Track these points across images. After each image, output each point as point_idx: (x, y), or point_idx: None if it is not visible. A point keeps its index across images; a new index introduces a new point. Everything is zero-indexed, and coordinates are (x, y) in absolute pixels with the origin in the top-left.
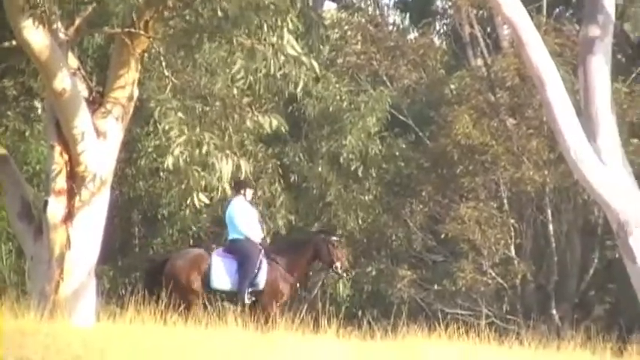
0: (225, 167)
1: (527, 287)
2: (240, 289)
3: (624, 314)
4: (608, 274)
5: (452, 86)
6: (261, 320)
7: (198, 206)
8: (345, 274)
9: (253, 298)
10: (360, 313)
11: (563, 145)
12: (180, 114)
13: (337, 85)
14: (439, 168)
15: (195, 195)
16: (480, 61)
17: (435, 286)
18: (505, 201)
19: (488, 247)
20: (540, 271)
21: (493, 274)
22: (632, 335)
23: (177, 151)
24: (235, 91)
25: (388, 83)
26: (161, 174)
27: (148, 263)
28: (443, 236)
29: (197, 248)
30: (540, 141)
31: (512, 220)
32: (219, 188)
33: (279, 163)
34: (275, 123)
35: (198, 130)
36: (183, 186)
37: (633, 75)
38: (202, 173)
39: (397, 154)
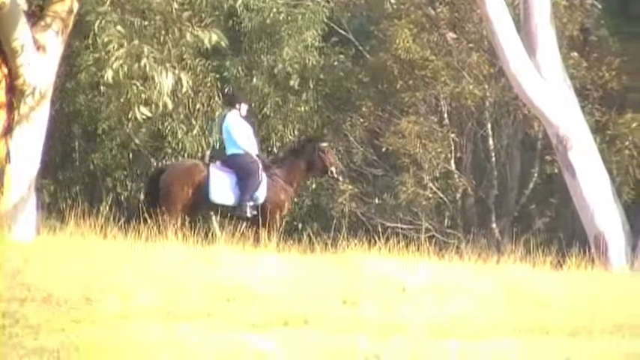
0: (164, 81)
1: (468, 201)
2: (241, 203)
3: (563, 228)
4: (547, 188)
5: (392, 0)
6: (264, 233)
7: (139, 119)
8: (340, 177)
9: (255, 212)
10: (300, 226)
11: (503, 60)
12: (119, 27)
13: None
14: (379, 82)
15: (135, 109)
16: None
17: (376, 200)
18: (445, 115)
19: (429, 161)
20: (480, 185)
21: (434, 188)
22: (572, 249)
23: (116, 65)
24: (175, 5)
25: None
26: (101, 88)
27: (147, 179)
28: (383, 150)
29: (192, 160)
30: (480, 55)
31: (452, 135)
32: (160, 102)
33: (218, 76)
34: (215, 37)
35: (137, 43)
36: (122, 100)
37: None
38: (142, 87)
39: (335, 64)
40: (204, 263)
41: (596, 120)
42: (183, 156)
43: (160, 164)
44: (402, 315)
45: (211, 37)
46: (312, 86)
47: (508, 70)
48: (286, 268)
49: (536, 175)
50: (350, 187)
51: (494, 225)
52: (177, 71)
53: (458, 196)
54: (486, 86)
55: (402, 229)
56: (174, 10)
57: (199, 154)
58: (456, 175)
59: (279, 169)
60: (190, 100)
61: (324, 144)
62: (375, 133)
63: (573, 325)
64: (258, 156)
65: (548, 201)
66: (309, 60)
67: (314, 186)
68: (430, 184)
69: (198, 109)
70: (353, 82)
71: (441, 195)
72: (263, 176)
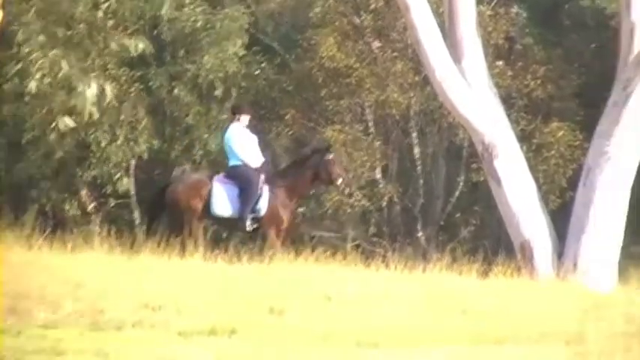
0: (88, 90)
1: (394, 209)
2: (241, 215)
3: (489, 236)
4: (473, 197)
5: (316, 9)
6: (264, 247)
7: (62, 130)
8: (348, 189)
9: (255, 225)
10: (225, 236)
11: (429, 68)
12: (42, 37)
13: (192, 7)
14: (304, 91)
15: (59, 119)
16: None
17: (302, 209)
18: (370, 124)
19: (354, 169)
20: (406, 193)
21: (359, 196)
22: (497, 257)
23: (39, 75)
24: (100, 14)
25: (253, 7)
26: (25, 98)
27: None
28: None
29: (198, 173)
30: (405, 63)
31: (377, 143)
32: (84, 112)
33: (142, 86)
34: (141, 45)
35: (60, 52)
36: (46, 110)
37: None
38: (66, 97)
39: (257, 72)
40: (130, 273)
41: (522, 129)
42: (108, 166)
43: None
44: (329, 324)
45: (137, 45)
46: (234, 95)
47: (433, 78)
48: (213, 277)
49: (461, 183)
50: None
51: (420, 233)
52: (101, 81)
53: (384, 204)
54: (411, 94)
55: (328, 237)
56: (98, 19)
57: (124, 164)
58: (381, 184)
59: (282, 181)
60: (115, 110)
61: (331, 155)
62: (300, 142)
63: (500, 333)
64: (262, 167)
65: (473, 209)
66: (230, 69)
67: None
68: (356, 193)
69: (123, 119)
70: (277, 91)
71: (367, 203)
72: (265, 189)
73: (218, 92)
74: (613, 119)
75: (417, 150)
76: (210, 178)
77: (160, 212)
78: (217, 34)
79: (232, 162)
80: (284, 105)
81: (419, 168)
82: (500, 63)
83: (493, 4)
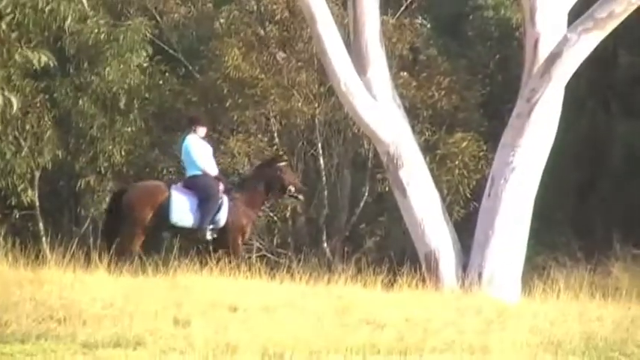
0: None
1: (298, 220)
2: (201, 226)
3: (394, 247)
4: (378, 207)
5: (221, 20)
6: (229, 258)
7: None
8: (300, 196)
9: (215, 235)
10: None
11: (333, 79)
12: None
13: (94, 19)
14: (209, 102)
15: None
16: None
17: None
18: (275, 134)
19: None
20: (311, 204)
21: (264, 207)
22: (402, 267)
23: None
24: (3, 26)
25: (158, 18)
26: None
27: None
28: None
29: (156, 181)
30: (310, 74)
31: (282, 154)
32: None
33: (47, 97)
34: (44, 58)
35: None
36: None
37: (402, 8)
38: None
39: (161, 83)
40: (34, 285)
41: (426, 139)
42: (13, 177)
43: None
44: (234, 334)
45: (40, 57)
46: (138, 106)
47: (338, 88)
48: (117, 289)
49: (366, 194)
50: None
51: (325, 244)
52: (6, 92)
53: (288, 215)
54: (316, 105)
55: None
56: (1, 31)
57: (28, 175)
58: (286, 195)
59: (239, 193)
60: (19, 121)
61: (282, 164)
62: None
63: (404, 343)
64: (219, 178)
65: (379, 220)
66: (132, 80)
67: None
68: None
69: (28, 130)
70: (182, 102)
71: (271, 214)
72: (224, 199)
73: (122, 104)
74: (517, 130)
75: (321, 161)
76: (168, 186)
77: (118, 219)
78: (120, 46)
79: (191, 172)
80: (189, 115)
81: (324, 179)
82: (404, 74)
83: (397, 14)
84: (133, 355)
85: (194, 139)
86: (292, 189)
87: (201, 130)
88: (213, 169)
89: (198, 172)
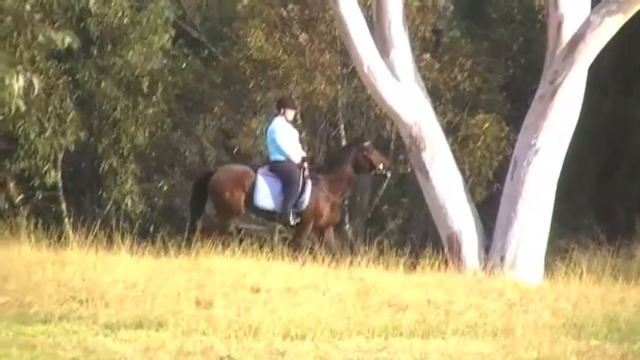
0: (16, 83)
1: None
2: (284, 210)
3: (416, 229)
4: (400, 189)
5: (244, 1)
6: (295, 239)
7: None
8: (388, 174)
9: (298, 220)
10: (153, 229)
11: (356, 60)
12: None
13: (118, 1)
14: (232, 83)
15: None
16: None
17: None
18: (298, 116)
19: None
20: None
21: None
22: (424, 250)
23: None
24: (27, 7)
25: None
26: None
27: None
28: (235, 151)
29: (242, 165)
30: (333, 56)
31: (304, 135)
32: (12, 104)
33: (70, 79)
34: (68, 39)
35: None
36: None
37: None
38: None
39: (184, 66)
40: (57, 266)
41: (449, 121)
42: (36, 158)
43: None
44: (256, 316)
45: (64, 39)
46: (161, 89)
47: (361, 70)
48: (139, 270)
49: (389, 175)
50: None
51: (347, 226)
52: (29, 74)
53: None
54: (339, 87)
55: (255, 230)
56: (26, 12)
57: (51, 157)
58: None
59: (324, 176)
60: (43, 103)
61: (367, 143)
62: (228, 134)
63: (426, 325)
64: (304, 162)
65: (401, 202)
66: (155, 63)
67: (165, 188)
68: None
69: (51, 112)
70: (205, 84)
71: None
72: (307, 182)
73: (144, 86)
74: (540, 112)
75: (344, 142)
76: (255, 170)
77: (203, 203)
78: (143, 29)
79: (275, 156)
80: (212, 97)
81: None
82: (427, 56)
83: None
84: (155, 336)
85: (281, 123)
86: (381, 167)
87: (290, 114)
88: (297, 156)
89: (282, 158)
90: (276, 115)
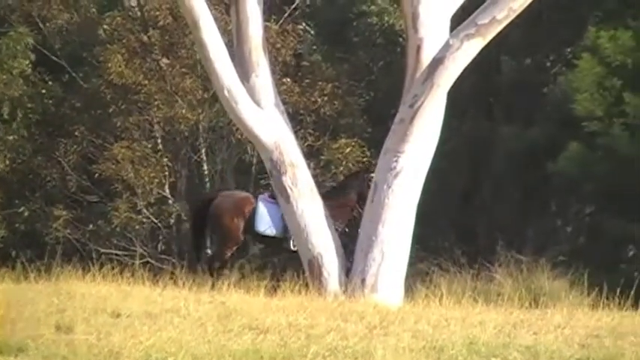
0: None
1: (182, 227)
2: (286, 236)
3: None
4: None
5: (105, 26)
6: None
7: None
8: None
9: None
10: (14, 253)
11: (217, 85)
12: None
13: None
14: (92, 108)
15: None
16: (133, 1)
17: (90, 226)
18: (159, 140)
19: (142, 186)
20: None
21: (148, 213)
22: (285, 274)
23: None
24: None
25: (41, 25)
26: None
27: (194, 203)
28: (97, 176)
29: (242, 191)
30: (194, 80)
31: (166, 160)
32: None
33: None
34: None
35: None
36: None
37: (286, 14)
38: None
39: (44, 92)
40: None
41: (310, 145)
42: None
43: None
44: (117, 340)
45: None
46: (21, 114)
47: (221, 95)
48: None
49: None
50: (64, 212)
51: (209, 251)
52: None
53: (172, 221)
54: (200, 111)
55: (116, 255)
56: None
57: None
58: (170, 201)
59: (328, 203)
60: None
61: (372, 175)
62: (89, 159)
63: (287, 349)
64: None
65: None
66: (15, 89)
67: (26, 213)
68: (144, 210)
69: None
70: (66, 108)
71: (155, 220)
72: None
73: (4, 113)
74: (400, 136)
75: (205, 167)
76: (255, 197)
77: (204, 229)
78: (3, 56)
79: None
80: (73, 122)
81: (207, 184)
82: (288, 80)
83: (281, 21)
84: None
85: None
86: None
87: None
88: None
89: None
90: None
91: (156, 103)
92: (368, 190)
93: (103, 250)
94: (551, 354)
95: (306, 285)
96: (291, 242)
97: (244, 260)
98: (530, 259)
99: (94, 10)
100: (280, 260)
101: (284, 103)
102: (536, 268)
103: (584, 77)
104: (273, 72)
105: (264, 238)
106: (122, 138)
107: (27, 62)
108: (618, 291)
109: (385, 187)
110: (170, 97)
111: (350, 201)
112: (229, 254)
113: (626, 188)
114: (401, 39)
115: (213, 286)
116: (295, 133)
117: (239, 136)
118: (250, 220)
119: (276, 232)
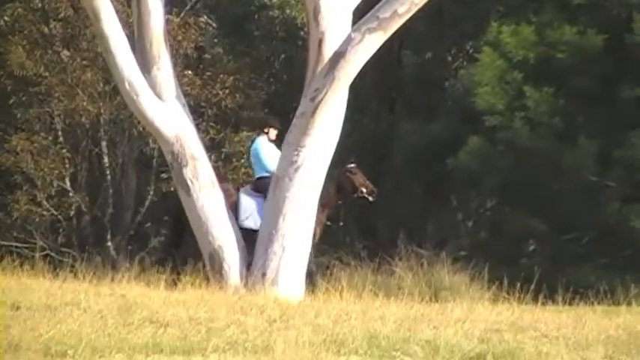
0: None
1: (83, 219)
2: None
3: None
4: (163, 206)
5: (5, 18)
6: None
7: None
8: (371, 198)
9: None
10: None
11: (118, 77)
12: None
13: None
14: None
15: None
16: None
17: None
18: (60, 133)
19: (42, 178)
20: (96, 203)
21: (48, 205)
22: (186, 267)
23: None
24: None
25: None
26: None
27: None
28: None
29: (223, 183)
30: (95, 73)
31: (66, 152)
32: None
33: None
34: None
35: None
36: None
37: (187, 7)
38: None
39: None
40: None
41: (212, 137)
42: None
43: None
44: (16, 333)
45: None
46: None
47: (122, 87)
48: None
49: (152, 193)
50: None
51: (109, 243)
52: None
53: (72, 214)
54: (101, 104)
55: (16, 247)
56: None
57: None
58: (70, 193)
59: None
60: None
61: (352, 165)
62: None
63: (187, 342)
64: None
65: (163, 219)
66: None
67: None
68: (44, 202)
69: None
70: None
71: (55, 212)
72: None
73: None
74: (301, 129)
75: (106, 159)
76: (237, 189)
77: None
78: None
79: (259, 173)
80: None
81: (108, 177)
82: (189, 72)
83: (183, 13)
84: None
85: (264, 142)
86: (364, 190)
87: (273, 133)
88: None
89: (266, 174)
90: (259, 134)
91: (57, 95)
92: (347, 182)
93: (2, 243)
94: (452, 348)
95: (207, 278)
96: None
97: (144, 253)
98: (430, 253)
99: None
100: (181, 253)
101: (185, 95)
102: (437, 262)
103: (485, 71)
104: (174, 64)
105: (246, 230)
106: (22, 130)
107: None
108: (518, 285)
109: (287, 180)
110: (71, 89)
111: (329, 192)
112: None
113: (527, 182)
114: (302, 32)
115: (113, 279)
116: (197, 125)
117: (140, 129)
118: (232, 213)
119: (258, 225)
